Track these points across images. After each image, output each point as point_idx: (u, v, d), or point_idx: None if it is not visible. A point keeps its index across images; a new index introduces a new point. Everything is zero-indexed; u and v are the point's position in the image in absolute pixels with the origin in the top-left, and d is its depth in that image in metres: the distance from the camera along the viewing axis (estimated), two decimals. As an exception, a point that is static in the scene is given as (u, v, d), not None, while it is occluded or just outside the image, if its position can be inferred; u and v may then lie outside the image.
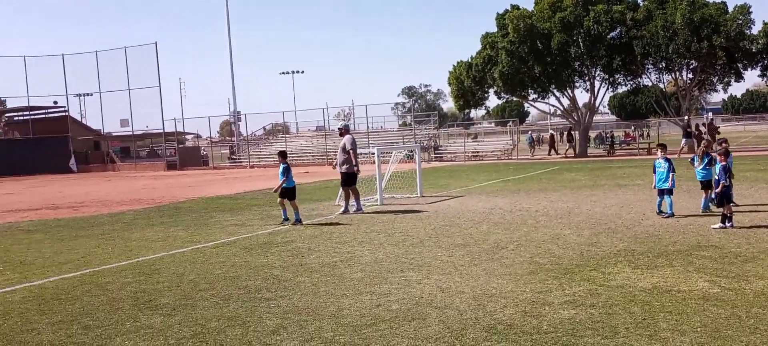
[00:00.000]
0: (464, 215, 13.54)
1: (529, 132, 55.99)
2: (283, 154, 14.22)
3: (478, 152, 45.25)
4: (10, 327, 6.38)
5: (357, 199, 14.77)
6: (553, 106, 46.55)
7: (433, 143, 47.58)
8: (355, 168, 14.53)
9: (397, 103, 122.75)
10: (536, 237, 10.33)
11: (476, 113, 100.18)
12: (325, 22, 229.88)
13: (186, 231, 12.90)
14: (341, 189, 14.93)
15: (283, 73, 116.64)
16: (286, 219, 13.25)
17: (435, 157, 44.75)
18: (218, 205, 18.50)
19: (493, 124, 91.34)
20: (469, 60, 43.42)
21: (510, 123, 53.35)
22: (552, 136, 48.42)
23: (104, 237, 12.57)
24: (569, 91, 42.61)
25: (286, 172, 13.38)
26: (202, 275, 8.44)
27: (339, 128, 15.26)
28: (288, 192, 13.34)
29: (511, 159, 41.19)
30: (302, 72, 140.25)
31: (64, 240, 12.41)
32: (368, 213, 14.45)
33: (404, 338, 5.54)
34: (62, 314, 6.76)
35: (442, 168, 34.77)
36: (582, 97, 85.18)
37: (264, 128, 59.52)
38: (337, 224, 12.97)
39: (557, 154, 43.15)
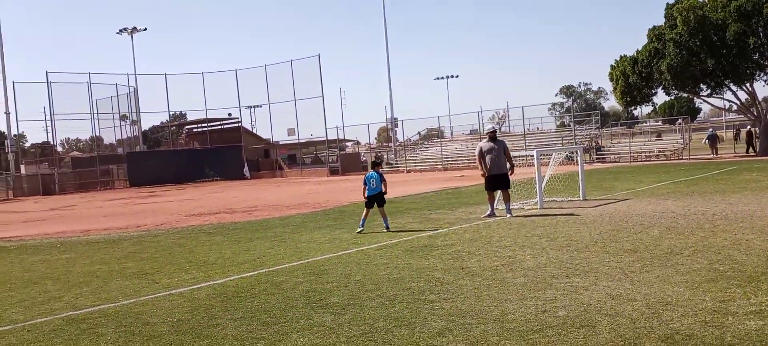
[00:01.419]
0: (632, 218, 12.88)
1: (711, 129, 51.77)
2: (374, 164, 14.68)
3: (644, 152, 42.80)
4: (198, 321, 6.97)
5: (508, 203, 14.65)
6: (729, 101, 43.02)
7: (594, 144, 45.70)
8: (512, 170, 14.71)
9: (554, 104, 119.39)
10: (714, 242, 9.59)
11: (641, 111, 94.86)
12: (478, 24, 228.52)
13: (350, 233, 13.39)
14: (501, 193, 14.77)
15: (438, 78, 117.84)
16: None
17: (597, 158, 42.95)
18: (379, 209, 18.99)
19: (660, 122, 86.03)
20: (634, 55, 41.26)
21: (679, 121, 50.00)
22: (750, 132, 43.21)
23: (276, 239, 13.38)
24: (747, 85, 39.14)
25: (368, 181, 13.68)
26: (367, 276, 8.72)
27: (490, 132, 15.16)
28: (373, 199, 13.61)
29: (681, 159, 38.58)
30: (456, 76, 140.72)
31: (241, 242, 13.37)
32: (528, 216, 14.18)
33: (573, 345, 5.38)
34: (243, 311, 7.28)
35: (606, 170, 33.31)
36: (762, 91, 77.80)
37: (419, 133, 60.37)
38: (497, 227, 12.85)
39: (755, 152, 39.34)
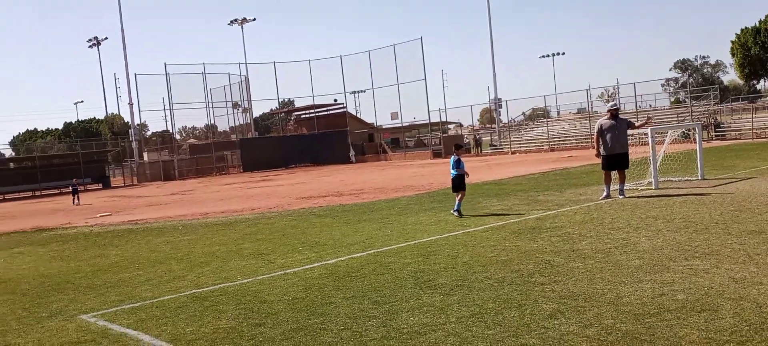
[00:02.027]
0: (756, 198, 12.12)
1: None
2: (456, 146, 14.47)
3: (769, 128, 39.99)
4: (312, 300, 7.23)
5: (622, 184, 14.11)
6: None
7: (713, 120, 43.18)
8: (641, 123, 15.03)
9: (668, 79, 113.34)
10: None
11: (764, 85, 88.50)
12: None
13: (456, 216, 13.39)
14: (617, 173, 14.22)
15: (543, 56, 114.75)
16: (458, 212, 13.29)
17: (716, 135, 40.58)
18: (484, 190, 18.88)
19: (787, 96, 79.95)
20: (757, 25, 38.58)
21: (810, 93, 46.26)
22: None
23: (383, 221, 13.60)
24: None
25: (457, 164, 13.56)
26: (475, 258, 8.72)
27: (612, 109, 14.51)
28: (455, 182, 13.52)
29: (813, 134, 35.77)
30: (563, 54, 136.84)
31: (349, 223, 13.69)
32: (642, 197, 13.64)
33: (694, 329, 5.17)
34: (354, 290, 7.48)
35: (726, 147, 31.43)
36: None
37: (524, 113, 59.19)
38: (609, 209, 12.45)
39: None
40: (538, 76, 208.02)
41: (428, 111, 56.77)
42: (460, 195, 13.57)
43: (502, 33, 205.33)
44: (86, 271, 10.64)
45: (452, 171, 13.75)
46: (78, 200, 32.36)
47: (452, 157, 14.03)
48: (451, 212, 13.56)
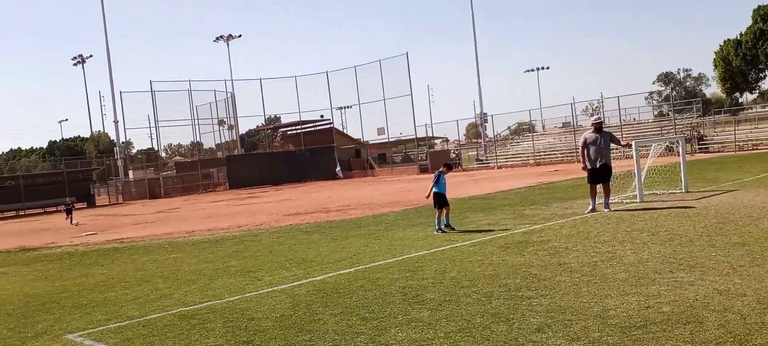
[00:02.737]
0: (740, 210, 12.27)
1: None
2: (445, 165, 14.68)
3: (750, 141, 40.49)
4: (299, 317, 7.21)
5: (607, 197, 14.23)
6: None
7: (696, 133, 43.66)
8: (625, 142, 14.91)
9: (651, 93, 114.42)
10: (834, 234, 9.01)
11: (746, 98, 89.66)
12: (568, 13, 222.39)
13: (443, 231, 13.42)
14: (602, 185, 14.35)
15: (528, 70, 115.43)
16: (444, 228, 13.33)
17: (699, 148, 41.02)
18: (471, 205, 18.95)
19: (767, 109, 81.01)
20: (738, 37, 39.17)
21: (791, 106, 46.92)
22: None
23: (371, 237, 13.60)
24: None
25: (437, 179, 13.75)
26: (462, 273, 8.75)
27: (596, 123, 14.65)
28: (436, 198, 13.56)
29: (794, 146, 36.25)
30: (547, 68, 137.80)
31: (337, 240, 13.68)
32: (628, 210, 13.76)
33: (679, 341, 5.22)
34: (342, 306, 7.48)
35: (709, 160, 31.79)
36: None
37: (509, 128, 59.55)
38: (595, 222, 12.55)
39: None
40: (523, 91, 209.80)
41: (414, 126, 57.09)
42: (444, 211, 13.56)
43: (488, 48, 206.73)
44: (72, 290, 10.55)
45: (435, 189, 13.71)
46: (72, 218, 29.85)
47: (436, 173, 14.06)
48: (435, 231, 13.39)
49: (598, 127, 14.48)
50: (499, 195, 21.94)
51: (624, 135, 42.76)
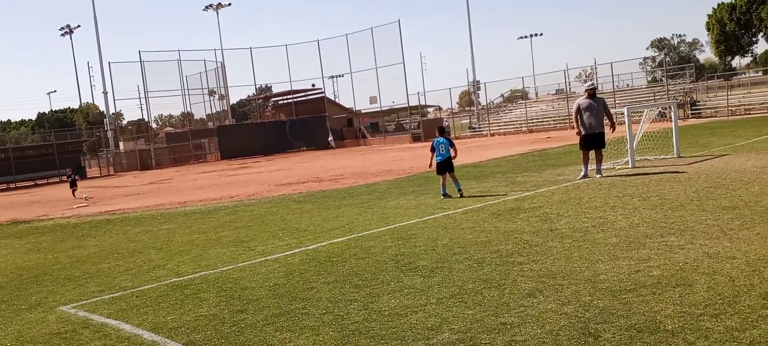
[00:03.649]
0: (730, 175, 12.33)
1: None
2: (440, 130, 14.39)
3: (743, 106, 40.58)
4: (293, 285, 7.24)
5: (599, 163, 14.27)
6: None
7: (689, 99, 43.70)
8: (613, 129, 14.35)
9: (645, 58, 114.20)
10: (823, 197, 9.07)
11: (740, 62, 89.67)
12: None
13: (435, 199, 13.45)
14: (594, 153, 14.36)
15: (521, 37, 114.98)
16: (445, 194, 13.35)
17: (692, 113, 41.10)
18: (463, 173, 18.94)
19: (761, 74, 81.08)
20: (732, 1, 38.99)
21: (783, 70, 46.93)
22: None
23: (363, 206, 13.62)
24: None
25: (436, 146, 13.57)
26: (454, 240, 8.78)
27: (589, 89, 14.58)
28: (444, 165, 13.50)
29: (785, 111, 36.36)
30: (540, 34, 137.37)
31: (329, 209, 13.69)
32: (619, 176, 13.80)
33: (669, 303, 5.27)
34: (335, 275, 7.51)
35: (701, 125, 31.87)
36: None
37: (502, 96, 59.42)
38: (586, 188, 12.59)
39: None
40: (516, 58, 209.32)
41: (407, 95, 57.01)
42: (448, 177, 13.52)
43: (480, 15, 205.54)
44: (64, 262, 10.55)
45: (444, 153, 13.58)
46: (76, 189, 26.96)
47: (437, 139, 13.88)
48: (441, 196, 13.39)
49: (592, 93, 14.45)
50: (491, 163, 21.97)
51: (617, 101, 42.77)
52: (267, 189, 20.93)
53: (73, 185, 26.97)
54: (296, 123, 59.90)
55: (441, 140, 13.68)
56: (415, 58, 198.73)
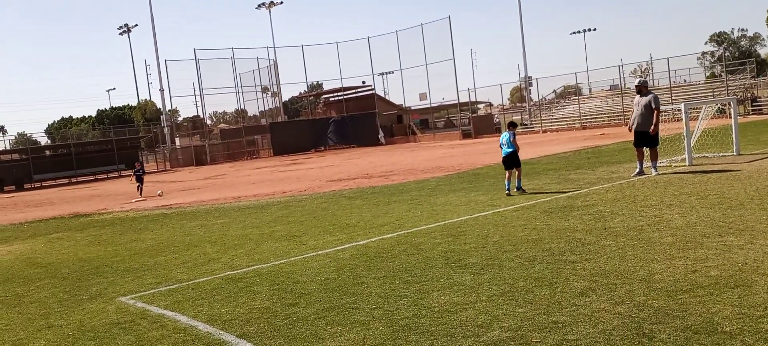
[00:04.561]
0: (794, 173, 11.88)
1: None
2: (511, 124, 14.19)
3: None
4: (344, 280, 7.32)
5: (654, 161, 13.90)
6: None
7: (750, 95, 42.23)
8: (652, 128, 13.59)
9: (704, 53, 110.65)
10: None
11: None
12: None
13: (486, 195, 13.38)
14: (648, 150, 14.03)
15: (574, 32, 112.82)
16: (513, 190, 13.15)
17: (752, 110, 39.71)
18: (515, 170, 18.77)
19: (828, 68, 77.71)
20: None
21: None
22: None
23: (413, 202, 13.64)
24: None
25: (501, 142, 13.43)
26: (505, 237, 8.72)
27: (637, 85, 14.32)
28: (507, 160, 13.29)
29: None
30: (594, 30, 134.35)
31: (379, 205, 13.76)
32: (676, 174, 13.46)
33: (727, 305, 5.13)
34: (385, 270, 7.55)
35: (762, 122, 30.77)
36: None
37: (555, 91, 58.48)
38: (641, 186, 12.33)
39: None
40: (569, 53, 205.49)
41: (457, 91, 56.57)
42: (516, 172, 13.40)
43: (532, 9, 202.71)
44: (123, 255, 10.90)
45: (508, 148, 13.41)
46: (140, 188, 25.17)
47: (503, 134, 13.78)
48: (506, 192, 13.19)
49: (640, 89, 14.16)
50: (543, 159, 21.69)
51: (673, 97, 41.64)
52: (318, 185, 21.15)
53: (140, 180, 25.52)
54: (343, 120, 60.20)
55: (504, 135, 13.58)
56: (466, 54, 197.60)
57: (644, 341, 4.59)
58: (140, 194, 24.34)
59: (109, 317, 6.84)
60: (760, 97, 42.63)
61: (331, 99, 68.48)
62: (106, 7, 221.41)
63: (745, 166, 13.69)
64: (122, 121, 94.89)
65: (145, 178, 27.17)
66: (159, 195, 23.45)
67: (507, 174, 13.39)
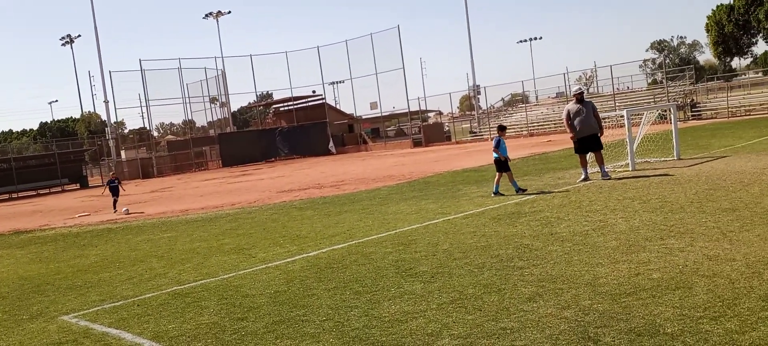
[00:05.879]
0: (730, 176, 12.33)
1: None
2: (500, 128, 14.76)
3: (743, 107, 40.56)
4: (294, 292, 7.25)
5: (603, 164, 14.32)
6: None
7: (689, 100, 43.69)
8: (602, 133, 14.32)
9: (645, 60, 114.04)
10: (823, 198, 9.07)
11: (739, 63, 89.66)
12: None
13: (436, 203, 13.47)
14: (594, 155, 14.47)
15: (521, 41, 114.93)
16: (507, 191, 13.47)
17: (692, 115, 41.09)
18: (464, 178, 18.99)
19: (760, 75, 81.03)
20: (731, 2, 39.05)
21: (783, 71, 46.91)
22: None
23: (364, 212, 13.63)
24: None
25: (497, 145, 13.82)
26: (455, 245, 8.79)
27: (575, 94, 14.77)
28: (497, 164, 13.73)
29: (785, 111, 36.34)
30: (540, 38, 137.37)
31: (330, 215, 13.71)
32: (620, 179, 13.81)
33: (669, 306, 5.27)
34: (336, 281, 7.52)
35: (701, 127, 31.87)
36: None
37: (503, 99, 59.42)
38: (587, 191, 12.60)
39: None
40: (516, 62, 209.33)
41: (407, 100, 56.87)
42: (502, 176, 13.71)
43: (480, 19, 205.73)
44: (66, 272, 10.57)
45: (494, 153, 13.92)
46: (116, 202, 22.55)
47: (495, 139, 14.13)
48: (492, 193, 13.65)
49: (580, 97, 14.56)
50: (492, 167, 21.92)
51: (617, 104, 42.76)
52: (268, 196, 20.95)
53: (115, 193, 22.59)
54: (293, 130, 59.86)
55: (497, 140, 13.97)
56: (415, 63, 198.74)
57: (590, 344, 4.68)
58: (114, 209, 22.02)
59: (51, 337, 6.62)
60: (699, 103, 44.15)
61: (281, 109, 68.04)
62: (46, 17, 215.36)
63: (685, 170, 14.14)
64: (65, 134, 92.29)
65: (86, 191, 25.45)
66: (126, 212, 20.94)
67: (496, 176, 13.85)
